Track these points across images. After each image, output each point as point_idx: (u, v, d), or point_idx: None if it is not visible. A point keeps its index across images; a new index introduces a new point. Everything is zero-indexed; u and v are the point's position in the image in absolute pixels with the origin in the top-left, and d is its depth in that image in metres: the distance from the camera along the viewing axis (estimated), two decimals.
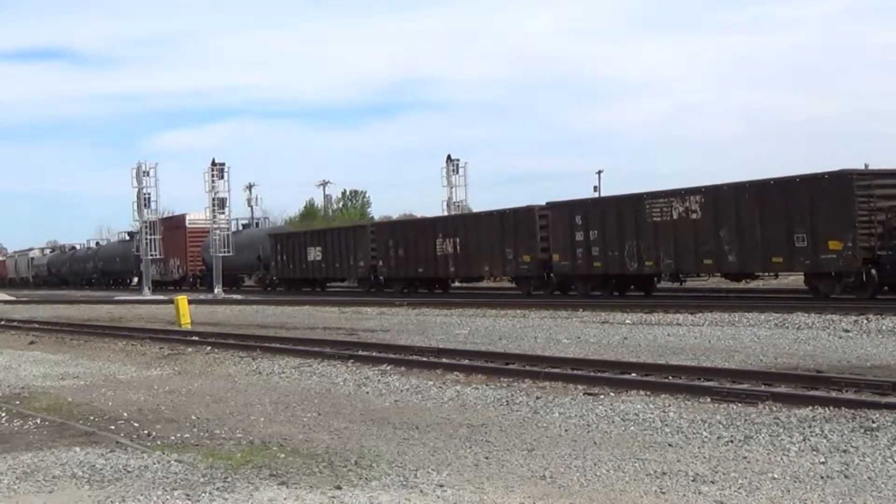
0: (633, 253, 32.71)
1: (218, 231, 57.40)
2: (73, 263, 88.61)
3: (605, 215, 33.98)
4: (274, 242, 54.93)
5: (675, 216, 31.20)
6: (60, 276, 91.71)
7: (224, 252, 56.91)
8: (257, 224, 64.98)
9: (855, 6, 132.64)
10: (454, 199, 48.13)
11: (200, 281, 65.16)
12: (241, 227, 63.52)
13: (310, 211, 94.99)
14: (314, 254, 50.61)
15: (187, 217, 67.82)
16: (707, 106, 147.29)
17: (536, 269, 37.13)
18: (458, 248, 41.03)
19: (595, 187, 79.97)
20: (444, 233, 41.99)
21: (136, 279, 73.32)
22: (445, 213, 50.57)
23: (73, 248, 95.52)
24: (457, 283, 45.49)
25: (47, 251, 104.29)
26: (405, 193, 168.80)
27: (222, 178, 57.82)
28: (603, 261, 33.85)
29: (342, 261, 48.48)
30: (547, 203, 37.08)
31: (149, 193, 61.21)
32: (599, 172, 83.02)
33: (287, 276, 53.68)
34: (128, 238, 76.55)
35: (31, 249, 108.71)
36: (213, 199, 57.62)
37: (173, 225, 68.44)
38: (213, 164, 57.86)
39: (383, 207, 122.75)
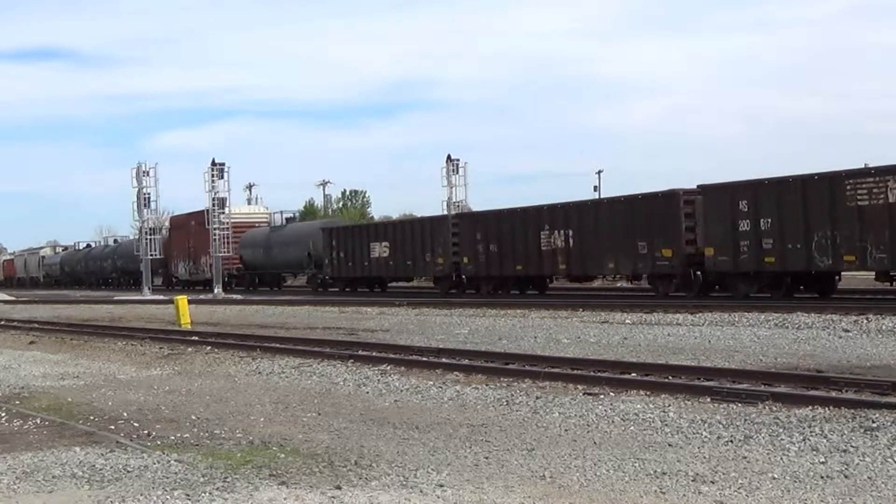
0: (824, 245, 27.07)
1: (218, 231, 57.28)
2: (90, 262, 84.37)
3: (783, 199, 28.08)
4: (328, 237, 49.07)
5: (892, 199, 25.57)
6: (75, 275, 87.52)
7: (224, 252, 56.79)
8: (303, 217, 60.72)
9: (855, 6, 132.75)
10: (454, 199, 48.05)
11: (237, 281, 60.03)
12: (284, 221, 59.44)
13: (309, 210, 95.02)
14: (379, 250, 45.17)
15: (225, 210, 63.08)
16: (707, 106, 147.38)
17: (680, 266, 31.46)
18: (571, 241, 35.52)
19: (595, 187, 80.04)
20: (552, 224, 36.40)
21: (159, 279, 68.76)
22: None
23: (88, 245, 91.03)
24: (556, 283, 41.32)
25: (59, 249, 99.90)
26: (405, 193, 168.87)
27: (222, 178, 57.76)
28: (779, 255, 28.18)
29: (415, 257, 43.38)
30: (698, 186, 31.29)
31: (148, 193, 61.16)
32: (599, 172, 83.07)
33: (344, 274, 48.12)
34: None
35: (41, 247, 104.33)
36: (213, 199, 57.58)
37: (207, 218, 60.84)
38: (213, 164, 57.82)
39: (383, 207, 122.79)
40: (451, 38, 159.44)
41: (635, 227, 32.78)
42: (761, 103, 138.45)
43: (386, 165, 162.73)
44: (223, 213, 58.12)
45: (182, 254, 66.14)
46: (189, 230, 64.32)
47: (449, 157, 48.30)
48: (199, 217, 62.23)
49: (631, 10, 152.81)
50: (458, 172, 47.96)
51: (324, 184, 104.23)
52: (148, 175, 60.90)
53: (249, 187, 69.47)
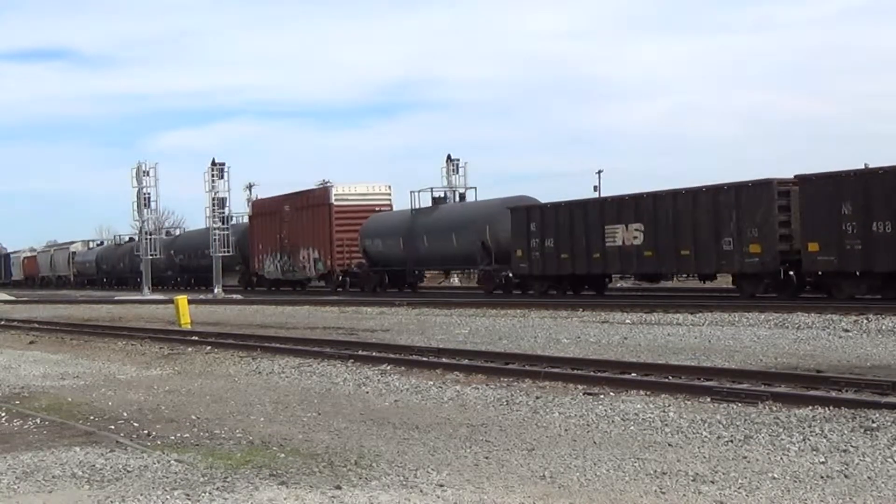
0: None
1: (218, 231, 57.24)
2: (136, 258, 69.81)
3: None
4: (523, 220, 36.43)
5: None
6: (116, 273, 75.91)
7: (223, 252, 56.58)
8: (462, 197, 46.27)
9: (855, 6, 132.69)
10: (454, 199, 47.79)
11: (352, 281, 47.89)
12: (431, 202, 45.42)
13: None
14: (625, 235, 33.05)
15: (332, 191, 49.81)
16: (707, 106, 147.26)
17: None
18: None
19: (595, 187, 79.91)
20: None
21: (233, 279, 59.23)
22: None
23: (132, 239, 77.29)
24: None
25: (92, 244, 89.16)
26: (405, 193, 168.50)
27: (222, 177, 57.83)
28: None
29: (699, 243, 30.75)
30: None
31: (149, 193, 61.21)
32: (599, 172, 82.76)
33: (552, 271, 35.73)
34: (220, 224, 58.77)
35: (71, 242, 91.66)
36: (213, 199, 57.58)
37: (308, 202, 50.99)
38: (213, 164, 57.88)
39: None
40: (452, 38, 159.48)
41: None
42: (761, 103, 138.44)
43: (386, 165, 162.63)
44: (223, 212, 58.00)
45: (270, 246, 54.24)
46: (282, 216, 52.92)
47: (449, 156, 48.27)
48: (297, 199, 52.19)
49: (631, 11, 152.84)
50: (458, 172, 47.93)
51: (324, 184, 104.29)
52: (148, 175, 60.97)
53: (249, 187, 69.47)
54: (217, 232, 57.17)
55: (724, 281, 35.40)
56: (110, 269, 78.04)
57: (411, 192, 45.22)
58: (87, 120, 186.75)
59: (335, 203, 48.84)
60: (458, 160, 47.65)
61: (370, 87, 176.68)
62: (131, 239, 77.10)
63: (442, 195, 46.04)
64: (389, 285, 45.99)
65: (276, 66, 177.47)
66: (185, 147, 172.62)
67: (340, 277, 48.43)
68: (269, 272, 54.43)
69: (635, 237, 32.43)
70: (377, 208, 48.93)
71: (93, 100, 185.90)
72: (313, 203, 50.32)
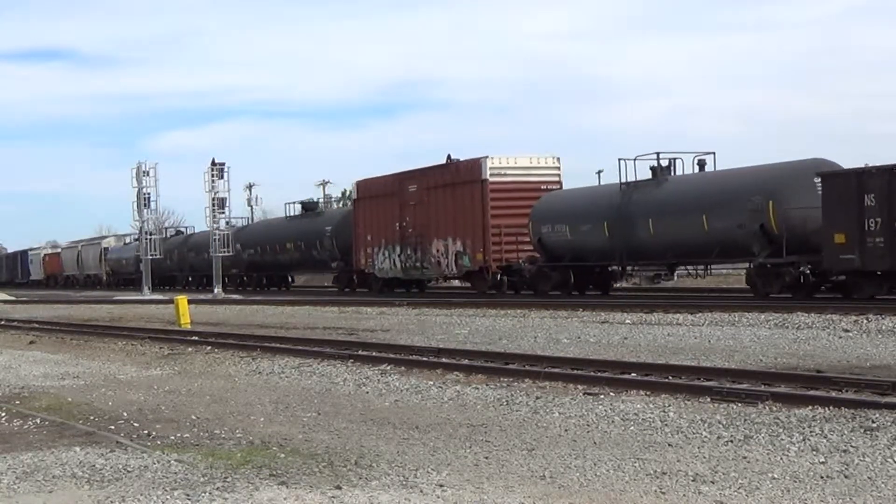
0: None
1: (218, 232, 57.18)
2: (189, 253, 63.06)
3: None
4: (853, 188, 25.01)
5: None
6: (163, 269, 66.00)
7: (224, 252, 56.47)
8: (701, 164, 32.16)
9: (855, 6, 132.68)
10: None
11: (513, 281, 37.44)
12: (652, 174, 32.42)
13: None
14: None
15: (486, 162, 38.31)
16: (707, 106, 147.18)
17: None
18: None
19: None
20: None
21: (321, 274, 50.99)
22: None
23: (179, 231, 70.30)
24: None
25: (128, 238, 78.33)
26: None
27: (222, 177, 57.77)
28: None
29: None
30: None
31: (149, 193, 61.16)
32: (599, 172, 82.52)
33: None
34: (302, 211, 52.48)
35: (103, 237, 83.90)
36: (213, 199, 57.57)
37: (448, 179, 39.99)
38: (213, 164, 57.83)
39: None
40: (452, 38, 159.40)
41: None
42: (762, 103, 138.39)
43: (386, 165, 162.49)
44: (223, 213, 57.96)
45: (385, 237, 43.41)
46: (404, 198, 42.25)
47: (449, 156, 48.06)
48: (430, 176, 41.20)
49: (631, 11, 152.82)
50: None
51: (324, 184, 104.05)
52: (148, 175, 60.93)
53: (249, 187, 69.26)
54: (217, 232, 56.30)
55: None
56: (154, 267, 65.89)
57: (620, 159, 32.84)
58: (87, 120, 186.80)
59: (491, 178, 37.98)
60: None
61: (370, 87, 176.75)
62: (178, 232, 70.02)
63: (666, 163, 32.57)
64: (577, 285, 34.90)
65: (276, 66, 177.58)
66: (185, 147, 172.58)
67: (499, 276, 37.98)
68: (382, 269, 43.59)
69: None
70: (543, 186, 38.14)
71: (93, 100, 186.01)
72: (457, 180, 39.40)
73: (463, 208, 38.80)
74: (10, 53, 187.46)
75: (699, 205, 29.82)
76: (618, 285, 36.75)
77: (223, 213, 57.75)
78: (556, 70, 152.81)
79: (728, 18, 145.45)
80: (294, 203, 55.52)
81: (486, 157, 38.40)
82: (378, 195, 44.41)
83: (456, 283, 44.56)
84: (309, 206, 54.09)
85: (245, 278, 59.19)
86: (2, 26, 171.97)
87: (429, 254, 40.59)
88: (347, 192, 52.35)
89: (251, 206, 66.72)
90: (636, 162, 32.60)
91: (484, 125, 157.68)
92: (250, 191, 68.67)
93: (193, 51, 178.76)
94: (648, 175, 32.55)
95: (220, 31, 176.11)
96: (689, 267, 33.72)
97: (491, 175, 37.97)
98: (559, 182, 38.78)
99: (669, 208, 30.81)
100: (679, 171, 32.69)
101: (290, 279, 59.49)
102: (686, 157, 32.83)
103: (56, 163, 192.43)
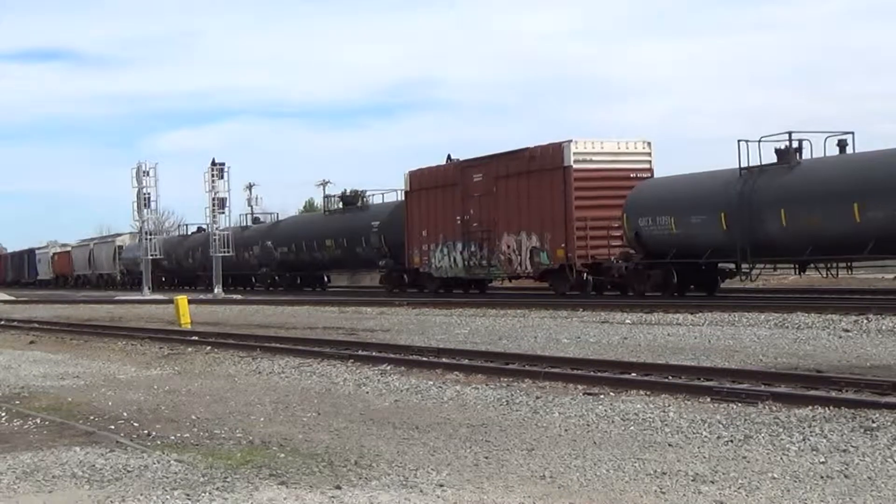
0: None
1: (218, 232, 57.13)
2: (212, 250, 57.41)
3: None
4: None
5: None
6: (186, 269, 62.54)
7: (224, 252, 56.35)
8: (842, 145, 27.52)
9: (855, 7, 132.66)
10: None
11: (599, 280, 33.27)
12: (777, 157, 27.68)
13: (309, 210, 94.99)
14: None
15: (570, 147, 33.92)
16: (708, 106, 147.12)
17: None
18: None
19: None
20: None
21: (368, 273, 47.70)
22: None
23: (200, 229, 64.78)
24: None
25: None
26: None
27: (222, 178, 57.77)
28: None
29: None
30: None
31: (149, 193, 61.13)
32: None
33: None
34: (341, 206, 49.31)
35: (117, 235, 79.45)
36: (213, 199, 57.57)
37: (523, 166, 35.57)
38: (213, 164, 57.84)
39: None
40: (452, 38, 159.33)
41: None
42: (761, 103, 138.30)
43: (386, 165, 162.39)
44: (222, 213, 57.86)
45: (444, 232, 39.25)
46: (467, 189, 38.13)
47: (449, 156, 48.00)
48: (501, 163, 36.75)
49: (631, 11, 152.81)
50: None
51: (324, 184, 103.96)
52: (148, 175, 60.92)
53: (249, 187, 69.19)
54: (218, 233, 56.24)
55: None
56: (173, 267, 63.17)
57: (739, 141, 28.16)
58: (87, 120, 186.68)
59: (575, 165, 33.58)
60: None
61: (371, 87, 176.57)
62: (200, 229, 64.58)
63: (785, 145, 27.60)
64: (679, 285, 30.45)
65: (276, 66, 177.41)
66: (185, 147, 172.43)
67: (585, 275, 33.50)
68: (440, 268, 39.28)
69: None
70: (633, 174, 33.86)
71: (93, 100, 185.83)
72: (533, 168, 35.01)
73: (540, 199, 34.52)
74: (10, 53, 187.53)
75: (849, 191, 25.45)
76: (722, 285, 32.15)
77: (223, 212, 57.76)
78: (556, 70, 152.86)
79: (728, 19, 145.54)
80: (333, 196, 51.34)
81: (570, 140, 33.96)
82: (435, 186, 40.10)
83: (525, 283, 40.02)
84: (350, 200, 49.18)
85: (276, 278, 55.05)
86: (2, 26, 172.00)
87: (497, 250, 36.46)
88: (347, 192, 51.05)
89: (251, 206, 66.68)
90: (760, 144, 27.86)
91: (484, 125, 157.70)
92: (250, 191, 68.57)
93: (193, 51, 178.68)
94: (771, 159, 27.75)
95: (220, 32, 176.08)
96: (821, 265, 28.62)
97: (575, 161, 33.60)
98: (650, 169, 34.37)
99: (807, 196, 26.34)
100: (806, 155, 27.94)
101: (325, 279, 55.86)
102: (813, 137, 28.12)
103: (56, 163, 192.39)
